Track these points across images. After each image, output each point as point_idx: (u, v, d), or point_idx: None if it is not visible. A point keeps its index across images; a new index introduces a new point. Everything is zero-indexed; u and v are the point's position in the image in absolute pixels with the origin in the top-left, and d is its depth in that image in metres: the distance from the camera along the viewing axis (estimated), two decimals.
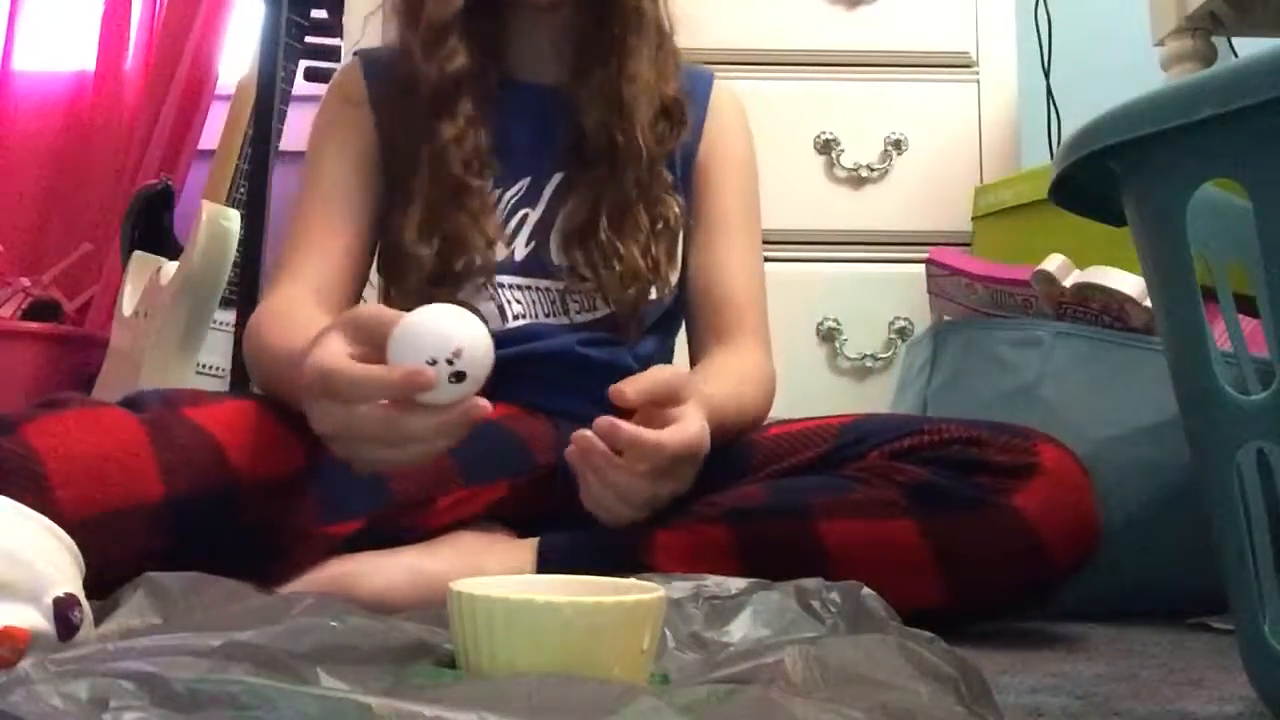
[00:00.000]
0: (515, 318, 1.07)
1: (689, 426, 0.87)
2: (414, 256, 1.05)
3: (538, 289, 1.08)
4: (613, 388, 0.86)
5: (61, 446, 0.80)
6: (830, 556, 0.91)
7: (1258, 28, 1.63)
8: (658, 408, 0.88)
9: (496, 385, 0.88)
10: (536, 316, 1.07)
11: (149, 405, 0.88)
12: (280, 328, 0.98)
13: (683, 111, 1.11)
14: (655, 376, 0.89)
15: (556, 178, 1.09)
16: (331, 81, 1.18)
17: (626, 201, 1.07)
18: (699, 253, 1.13)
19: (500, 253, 1.07)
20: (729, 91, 1.19)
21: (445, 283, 1.04)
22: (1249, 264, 0.66)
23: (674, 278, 1.11)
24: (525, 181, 1.09)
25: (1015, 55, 1.82)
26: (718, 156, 1.15)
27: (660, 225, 1.08)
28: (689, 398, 0.89)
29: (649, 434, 0.85)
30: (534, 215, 1.09)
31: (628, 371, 1.06)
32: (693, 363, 1.12)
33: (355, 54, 1.20)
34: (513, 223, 1.09)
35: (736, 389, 1.02)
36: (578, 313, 1.08)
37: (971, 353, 1.25)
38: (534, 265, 1.08)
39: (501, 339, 1.04)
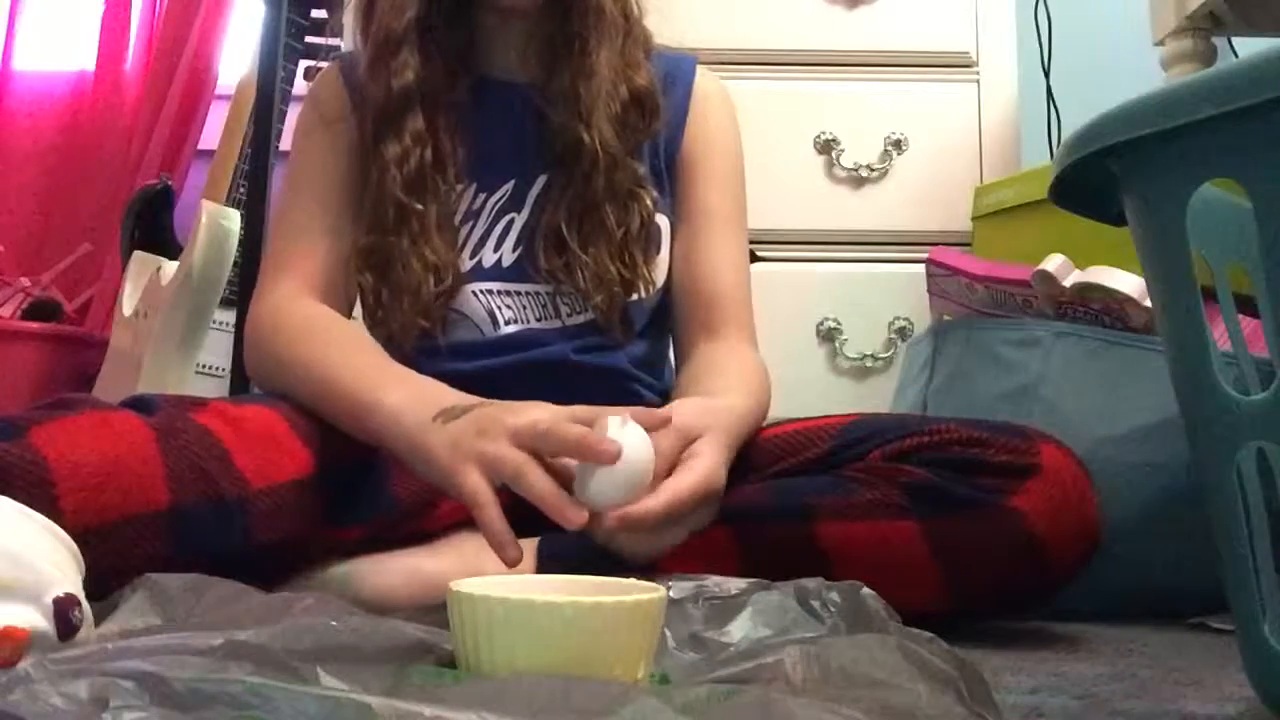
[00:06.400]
0: (506, 323, 1.06)
1: (696, 468, 0.82)
2: (359, 283, 1.05)
3: (528, 293, 1.07)
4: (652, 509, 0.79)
5: (70, 453, 0.79)
6: (830, 557, 0.91)
7: (1258, 28, 1.63)
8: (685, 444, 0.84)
9: (493, 394, 0.88)
10: (528, 322, 1.06)
11: (158, 409, 0.87)
12: (324, 339, 0.98)
13: (655, 100, 1.08)
14: (676, 418, 0.84)
15: (541, 180, 1.08)
16: (311, 87, 1.17)
17: (594, 203, 1.05)
18: (685, 247, 1.11)
19: (488, 258, 1.07)
20: (713, 80, 1.17)
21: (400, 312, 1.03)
22: (1249, 264, 0.66)
23: (660, 275, 1.09)
24: (510, 185, 1.08)
25: (1015, 55, 1.82)
26: (702, 148, 1.13)
27: (636, 222, 1.06)
28: (711, 431, 0.85)
29: (657, 507, 0.79)
30: (520, 219, 1.08)
31: (622, 376, 1.07)
32: (678, 358, 1.11)
33: (333, 58, 1.20)
34: (499, 227, 1.07)
35: (755, 393, 1.00)
36: (569, 315, 1.07)
37: (971, 353, 1.25)
38: (522, 270, 1.06)
39: (494, 347, 1.05)
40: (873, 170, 1.77)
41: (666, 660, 0.62)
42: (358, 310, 1.11)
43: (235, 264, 1.63)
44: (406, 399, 0.89)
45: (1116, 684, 0.77)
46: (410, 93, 1.04)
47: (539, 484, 0.78)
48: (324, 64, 1.68)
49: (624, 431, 0.77)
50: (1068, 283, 1.20)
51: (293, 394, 0.96)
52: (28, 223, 2.22)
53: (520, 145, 1.08)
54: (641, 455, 0.78)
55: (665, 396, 1.08)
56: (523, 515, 0.97)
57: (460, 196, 1.08)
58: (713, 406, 0.91)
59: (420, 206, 1.04)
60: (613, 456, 0.76)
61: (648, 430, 0.79)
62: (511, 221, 1.08)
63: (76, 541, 0.61)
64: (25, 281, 2.05)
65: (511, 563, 0.77)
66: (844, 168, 1.77)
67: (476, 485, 0.79)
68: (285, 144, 1.60)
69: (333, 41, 1.71)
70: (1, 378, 1.83)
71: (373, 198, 1.05)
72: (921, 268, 1.44)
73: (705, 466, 0.83)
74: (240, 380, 1.43)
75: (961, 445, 0.93)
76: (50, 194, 2.24)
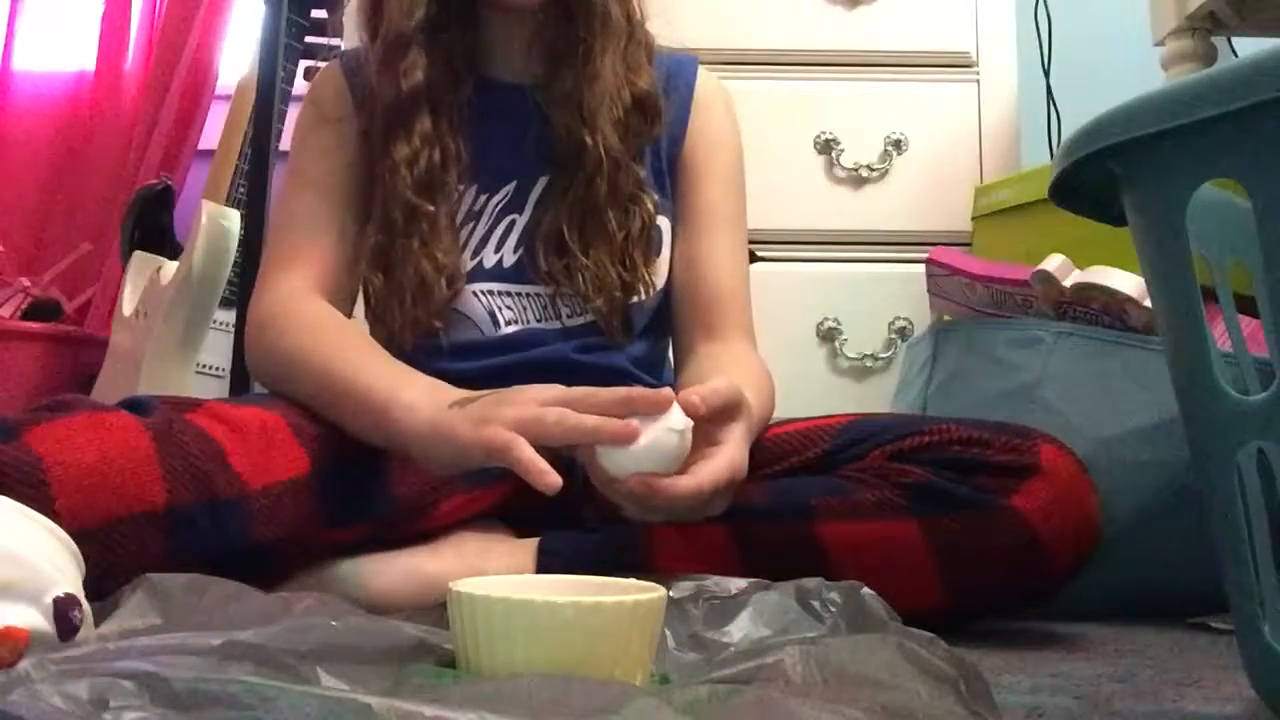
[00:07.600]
0: (507, 324, 1.06)
1: (726, 455, 0.82)
2: (368, 282, 1.05)
3: (528, 295, 1.07)
4: (684, 397, 0.80)
5: (64, 453, 0.80)
6: (830, 557, 0.91)
7: (1258, 28, 1.63)
8: (713, 425, 0.83)
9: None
10: (528, 322, 1.06)
11: (154, 409, 0.87)
12: (333, 339, 0.98)
13: (657, 104, 1.08)
14: (717, 391, 0.83)
15: (542, 182, 1.08)
16: (311, 85, 1.17)
17: (595, 207, 1.05)
18: (685, 246, 1.11)
19: (489, 259, 1.07)
20: (714, 81, 1.17)
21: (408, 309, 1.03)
22: (1249, 264, 0.66)
23: (660, 277, 1.09)
24: (511, 186, 1.08)
25: (1015, 55, 1.82)
26: (704, 149, 1.13)
27: (638, 225, 1.06)
28: (742, 415, 0.84)
29: (686, 487, 0.80)
30: (521, 221, 1.08)
31: (623, 375, 1.06)
32: (678, 358, 1.11)
33: (335, 56, 1.20)
34: (500, 229, 1.07)
35: (763, 393, 1.00)
36: (569, 316, 1.07)
37: (971, 353, 1.25)
38: (523, 271, 1.06)
39: (495, 346, 1.05)
40: (873, 170, 1.77)
41: (666, 660, 0.62)
42: (358, 310, 1.10)
43: (235, 264, 1.63)
44: (421, 393, 0.89)
45: (1116, 684, 0.77)
46: (419, 93, 1.04)
47: (585, 419, 0.78)
48: (323, 64, 1.69)
49: (671, 413, 0.78)
50: (1068, 283, 1.20)
51: (297, 391, 0.96)
52: (28, 223, 2.22)
53: (522, 147, 1.08)
54: (679, 440, 0.79)
55: None
56: (523, 515, 0.98)
57: (462, 197, 1.08)
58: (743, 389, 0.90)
59: (431, 207, 1.04)
60: (631, 436, 0.77)
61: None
62: (513, 223, 1.08)
63: (74, 541, 0.61)
64: (25, 281, 2.05)
65: (552, 489, 0.76)
66: (844, 168, 1.77)
67: (506, 435, 0.79)
68: (285, 144, 1.61)
69: (333, 41, 1.71)
70: (1, 378, 1.83)
71: (382, 198, 1.05)
72: (921, 268, 1.44)
73: (731, 454, 0.82)
74: (240, 380, 1.43)
75: (961, 445, 0.93)
76: (50, 194, 2.24)
